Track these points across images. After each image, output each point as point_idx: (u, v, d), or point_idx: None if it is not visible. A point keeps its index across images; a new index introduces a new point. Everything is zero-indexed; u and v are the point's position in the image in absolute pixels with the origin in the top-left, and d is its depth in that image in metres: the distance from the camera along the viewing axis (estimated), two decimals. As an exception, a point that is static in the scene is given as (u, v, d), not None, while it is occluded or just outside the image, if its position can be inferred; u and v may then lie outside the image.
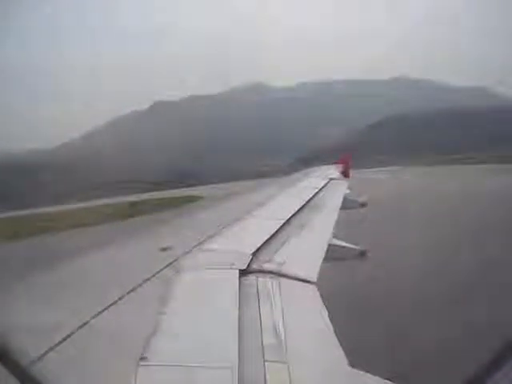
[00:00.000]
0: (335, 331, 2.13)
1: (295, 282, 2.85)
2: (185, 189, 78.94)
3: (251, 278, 2.82)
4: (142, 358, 1.72)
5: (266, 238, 3.79)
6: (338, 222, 5.24)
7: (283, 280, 2.82)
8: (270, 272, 2.95)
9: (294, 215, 5.17)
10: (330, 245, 4.11)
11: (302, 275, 2.94)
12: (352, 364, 1.86)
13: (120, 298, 2.35)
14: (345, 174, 11.86)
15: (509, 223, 19.90)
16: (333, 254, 4.06)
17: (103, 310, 2.19)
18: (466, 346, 8.03)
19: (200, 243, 3.64)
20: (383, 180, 59.96)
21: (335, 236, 4.57)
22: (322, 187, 8.54)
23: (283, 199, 6.96)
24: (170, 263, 3.04)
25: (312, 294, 2.68)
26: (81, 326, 1.99)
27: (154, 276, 2.76)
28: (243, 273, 2.84)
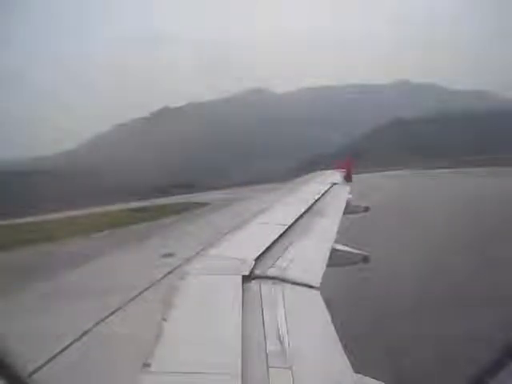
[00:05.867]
0: (339, 336, 2.12)
1: (298, 287, 2.84)
2: (188, 195, 78.88)
3: (254, 283, 2.81)
4: (146, 365, 1.72)
5: (269, 244, 3.79)
6: (340, 227, 5.24)
7: (286, 285, 2.81)
8: (274, 277, 2.94)
9: (297, 220, 5.17)
10: (333, 250, 4.10)
11: (305, 280, 2.93)
12: (356, 370, 1.85)
13: (123, 305, 2.36)
14: (347, 178, 11.88)
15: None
16: (336, 259, 4.05)
17: (106, 317, 2.19)
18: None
19: (203, 249, 3.64)
20: (385, 184, 59.85)
21: (338, 241, 4.56)
22: (325, 192, 8.54)
23: (286, 204, 6.97)
24: (173, 269, 3.04)
25: (315, 299, 2.67)
26: (83, 334, 1.99)
27: (157, 282, 2.77)
28: (246, 278, 2.84)
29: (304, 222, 5.28)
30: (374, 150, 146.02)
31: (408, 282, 13.32)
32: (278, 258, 3.45)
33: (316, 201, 7.20)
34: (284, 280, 2.91)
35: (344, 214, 6.60)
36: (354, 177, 12.37)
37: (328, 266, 3.49)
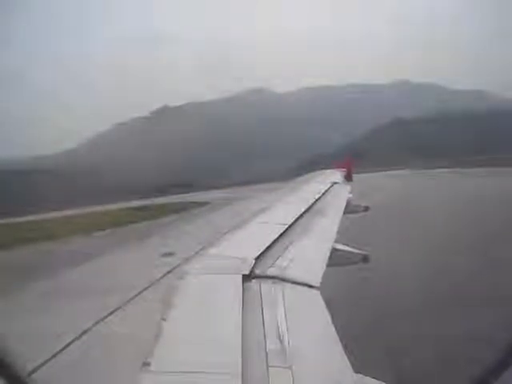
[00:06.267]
0: (338, 336, 2.12)
1: (298, 286, 2.84)
2: (188, 194, 78.95)
3: (254, 283, 2.81)
4: (145, 364, 1.72)
5: (269, 243, 3.78)
6: (340, 227, 5.23)
7: (286, 285, 2.81)
8: (274, 277, 2.94)
9: (297, 220, 5.16)
10: (333, 249, 4.09)
11: (305, 280, 2.93)
12: (356, 370, 1.85)
13: (123, 304, 2.35)
14: (348, 177, 11.87)
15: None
16: (336, 259, 4.05)
17: (106, 317, 2.19)
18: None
19: (203, 248, 3.63)
20: (385, 184, 59.88)
21: (338, 241, 4.56)
22: (325, 191, 8.54)
23: (286, 204, 6.96)
24: (173, 269, 3.04)
25: (315, 298, 2.67)
26: (83, 333, 1.99)
27: (157, 282, 2.76)
28: (246, 278, 2.83)
29: (304, 221, 5.27)
30: (374, 150, 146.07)
31: (408, 282, 13.32)
32: (278, 258, 3.44)
33: (316, 200, 7.19)
34: (284, 279, 2.90)
35: (344, 213, 6.60)
36: (354, 177, 12.36)
37: (328, 265, 3.49)
